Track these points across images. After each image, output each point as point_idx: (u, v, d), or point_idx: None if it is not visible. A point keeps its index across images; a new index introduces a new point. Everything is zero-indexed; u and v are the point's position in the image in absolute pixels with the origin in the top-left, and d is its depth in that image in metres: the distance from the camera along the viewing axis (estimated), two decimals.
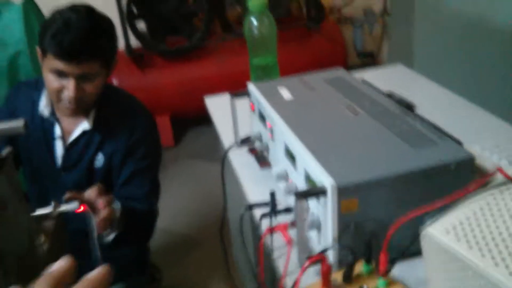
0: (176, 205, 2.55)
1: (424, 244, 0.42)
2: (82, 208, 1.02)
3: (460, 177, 0.70)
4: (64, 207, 1.00)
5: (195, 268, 2.07)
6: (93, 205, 1.02)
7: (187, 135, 3.33)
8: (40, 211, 1.01)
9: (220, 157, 1.12)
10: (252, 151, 1.06)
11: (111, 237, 1.15)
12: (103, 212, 1.02)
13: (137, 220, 1.24)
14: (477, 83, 1.89)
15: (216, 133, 1.29)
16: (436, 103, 1.26)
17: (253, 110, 1.04)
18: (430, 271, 0.43)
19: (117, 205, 1.13)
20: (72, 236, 1.00)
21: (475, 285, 0.36)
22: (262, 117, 0.98)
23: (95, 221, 0.99)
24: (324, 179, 0.66)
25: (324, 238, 0.70)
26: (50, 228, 1.00)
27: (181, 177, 2.87)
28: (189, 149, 3.19)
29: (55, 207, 1.00)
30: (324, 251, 0.64)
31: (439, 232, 0.40)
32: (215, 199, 1.97)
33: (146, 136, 1.31)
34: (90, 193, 1.03)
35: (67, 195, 1.00)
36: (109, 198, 1.06)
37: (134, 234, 1.29)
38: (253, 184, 1.00)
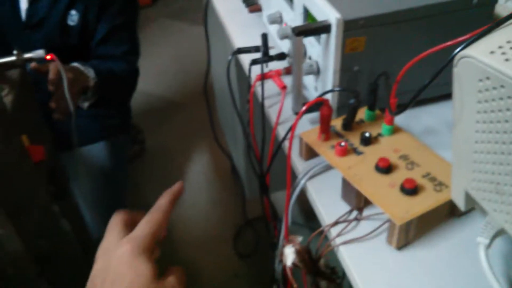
0: (156, 68, 2.44)
1: (458, 72, 0.34)
2: (49, 57, 0.92)
3: (480, 16, 0.61)
4: (29, 55, 0.90)
5: (178, 131, 2.03)
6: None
7: None
8: (2, 60, 0.90)
9: (201, 17, 1.00)
10: None
11: (85, 104, 1.11)
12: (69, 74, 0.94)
13: (117, 79, 1.20)
14: None
15: None
16: None
17: None
18: (462, 108, 0.36)
19: (90, 72, 1.07)
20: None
21: None
22: None
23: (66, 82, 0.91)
24: (329, 13, 0.56)
25: (323, 84, 0.63)
26: (14, 79, 0.91)
27: (160, 39, 2.71)
28: (168, 9, 2.98)
29: (19, 55, 0.90)
30: (324, 94, 0.56)
31: (480, 52, 0.32)
32: (197, 60, 1.86)
33: None
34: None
35: (32, 64, 0.91)
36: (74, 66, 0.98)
37: (116, 93, 1.26)
38: (240, 30, 0.89)
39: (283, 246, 0.53)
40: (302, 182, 0.58)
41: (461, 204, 0.44)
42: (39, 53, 0.89)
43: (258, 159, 0.73)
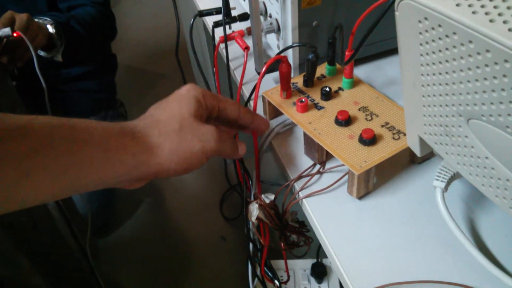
0: (133, 42, 2.40)
1: (400, 16, 0.34)
2: (15, 35, 0.90)
3: None
4: None
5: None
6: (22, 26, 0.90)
7: None
8: None
9: None
10: None
11: (58, 56, 1.07)
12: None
13: (89, 23, 1.16)
14: None
15: None
16: None
17: None
18: (406, 52, 0.36)
19: (46, 20, 1.03)
20: None
21: (463, 53, 0.30)
22: None
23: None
24: None
25: (284, 42, 0.62)
26: None
27: (133, 11, 2.65)
28: None
29: None
30: (283, 50, 0.56)
31: None
32: (173, 29, 1.83)
33: None
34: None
35: None
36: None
37: (92, 39, 1.20)
38: None
39: (248, 203, 0.54)
40: (268, 141, 0.58)
41: (416, 150, 0.44)
42: (5, 31, 0.87)
43: None
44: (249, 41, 0.71)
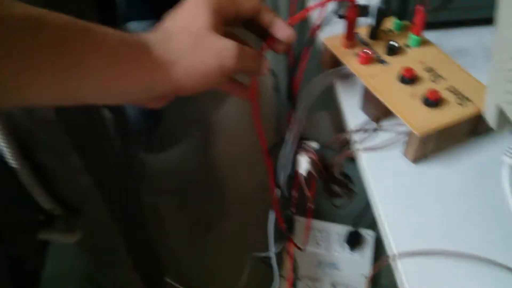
0: None
1: None
2: None
3: None
4: None
5: None
6: None
7: None
8: None
9: None
10: None
11: None
12: None
13: None
14: None
15: None
16: None
17: None
18: (507, 11, 0.33)
19: None
20: None
21: None
22: None
23: None
24: None
25: None
26: None
27: None
28: None
29: None
30: None
31: None
32: None
33: None
34: None
35: None
36: None
37: None
38: None
39: (295, 153, 0.52)
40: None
41: (492, 122, 0.42)
42: None
43: (291, 62, 0.70)
44: None
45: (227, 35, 0.40)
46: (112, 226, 0.81)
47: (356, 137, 0.50)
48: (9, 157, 0.61)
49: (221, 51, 0.39)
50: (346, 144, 0.51)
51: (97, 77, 0.35)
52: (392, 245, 0.42)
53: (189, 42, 0.38)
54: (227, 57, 0.39)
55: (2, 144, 0.59)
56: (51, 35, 0.32)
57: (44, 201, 0.69)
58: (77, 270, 1.08)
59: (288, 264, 0.63)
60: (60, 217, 0.74)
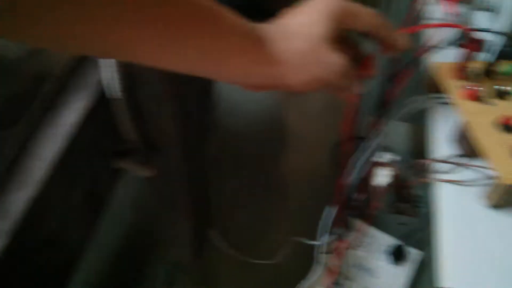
0: None
1: None
2: None
3: None
4: None
5: None
6: None
7: None
8: None
9: None
10: None
11: None
12: None
13: None
14: None
15: None
16: None
17: None
18: None
19: None
20: None
21: None
22: None
23: None
24: None
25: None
26: None
27: None
28: None
29: None
30: (480, 30, 0.53)
31: None
32: None
33: None
34: None
35: None
36: None
37: None
38: None
39: (375, 166, 0.54)
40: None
41: None
42: None
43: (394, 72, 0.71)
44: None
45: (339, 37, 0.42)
46: (181, 167, 0.87)
47: (439, 165, 0.52)
48: (116, 88, 0.67)
49: (330, 65, 0.40)
50: (427, 169, 0.53)
51: (216, 60, 0.38)
52: (444, 278, 0.44)
53: (303, 48, 0.40)
54: (333, 73, 0.41)
55: (115, 75, 0.66)
56: (193, 10, 0.34)
57: (130, 133, 0.75)
58: (135, 206, 1.17)
59: (335, 260, 0.66)
60: (138, 151, 0.81)
